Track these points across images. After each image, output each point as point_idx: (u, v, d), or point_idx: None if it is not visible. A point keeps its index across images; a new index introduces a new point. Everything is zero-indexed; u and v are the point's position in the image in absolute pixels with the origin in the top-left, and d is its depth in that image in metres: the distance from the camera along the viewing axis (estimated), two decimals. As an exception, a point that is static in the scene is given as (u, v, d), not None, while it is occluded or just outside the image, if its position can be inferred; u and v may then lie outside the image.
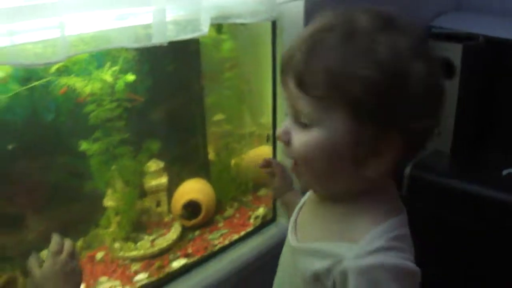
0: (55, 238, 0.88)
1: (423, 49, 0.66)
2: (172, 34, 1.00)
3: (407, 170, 1.73)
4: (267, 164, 1.05)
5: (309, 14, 1.25)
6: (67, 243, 0.89)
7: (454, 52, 1.66)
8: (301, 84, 0.67)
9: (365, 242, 0.69)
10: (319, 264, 0.72)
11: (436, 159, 1.80)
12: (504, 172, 1.64)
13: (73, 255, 0.89)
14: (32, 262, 0.88)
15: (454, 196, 1.65)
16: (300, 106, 0.68)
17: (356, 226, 0.71)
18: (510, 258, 1.55)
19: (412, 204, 1.76)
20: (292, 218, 0.85)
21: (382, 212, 0.73)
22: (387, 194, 0.77)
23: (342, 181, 0.72)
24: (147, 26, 0.98)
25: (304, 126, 0.69)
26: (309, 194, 0.84)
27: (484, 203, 1.57)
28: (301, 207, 0.86)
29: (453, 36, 1.73)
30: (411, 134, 0.66)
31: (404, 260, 0.69)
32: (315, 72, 0.65)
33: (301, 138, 0.70)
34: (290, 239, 0.81)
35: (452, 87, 1.70)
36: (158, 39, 0.96)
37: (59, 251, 0.87)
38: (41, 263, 0.87)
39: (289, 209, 0.99)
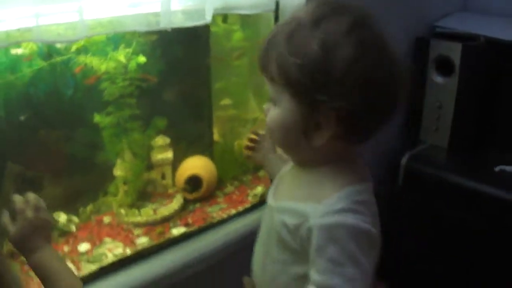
0: (16, 198, 0.94)
1: (358, 38, 0.76)
2: (179, 21, 1.13)
3: (403, 161, 1.83)
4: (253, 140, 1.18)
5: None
6: (31, 198, 0.94)
7: (454, 52, 1.75)
8: (263, 70, 0.81)
9: (329, 203, 0.79)
10: (289, 221, 0.84)
11: (433, 153, 1.88)
12: (497, 169, 1.72)
13: (38, 209, 0.93)
14: (5, 220, 0.92)
15: (448, 189, 1.73)
16: (268, 89, 0.81)
17: (322, 189, 0.82)
18: (500, 250, 1.63)
19: (407, 194, 1.87)
20: (274, 182, 0.98)
21: (347, 179, 0.83)
22: (353, 165, 0.87)
23: (302, 150, 0.85)
24: (156, 14, 1.10)
25: (273, 105, 0.82)
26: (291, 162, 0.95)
27: (476, 197, 1.65)
28: (282, 174, 0.98)
29: (455, 36, 1.81)
30: (343, 113, 0.76)
31: (363, 222, 0.78)
32: (270, 60, 0.79)
33: (269, 115, 0.84)
34: (269, 199, 0.93)
35: (451, 85, 1.79)
36: (165, 25, 1.09)
37: (24, 209, 0.92)
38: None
39: (269, 174, 1.15)
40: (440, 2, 2.00)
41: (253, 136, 1.18)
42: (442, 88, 1.81)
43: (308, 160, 0.86)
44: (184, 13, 1.15)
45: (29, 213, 0.92)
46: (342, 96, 0.75)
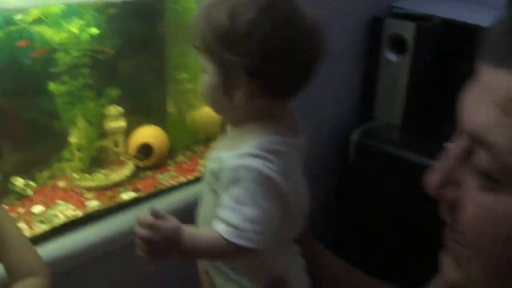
0: None
1: (262, 4, 0.86)
2: None
3: (354, 136, 1.91)
4: None
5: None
6: None
7: (408, 31, 1.83)
8: (192, 43, 0.92)
9: (242, 149, 0.89)
10: (213, 167, 0.93)
11: (385, 130, 1.97)
12: (445, 145, 1.82)
13: None
14: None
15: (398, 165, 1.82)
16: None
17: (242, 142, 0.91)
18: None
19: (358, 169, 1.96)
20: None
21: (266, 131, 0.92)
22: (278, 121, 0.95)
23: (229, 111, 0.96)
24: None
25: (205, 74, 0.94)
26: None
27: (425, 172, 1.75)
28: None
29: (411, 16, 1.89)
30: (252, 71, 0.87)
31: (269, 169, 0.87)
32: (194, 32, 0.90)
33: (201, 83, 0.96)
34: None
35: (404, 63, 1.87)
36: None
37: None
38: None
39: None
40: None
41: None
42: (396, 66, 1.90)
43: (236, 119, 0.97)
44: None
45: None
46: (247, 55, 0.86)
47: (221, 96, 0.93)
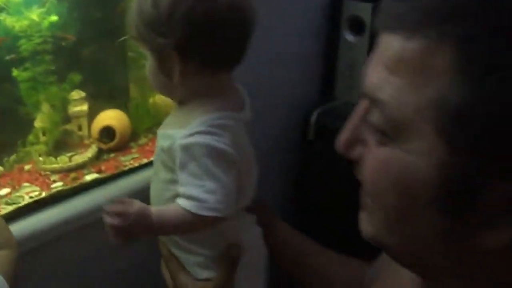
0: None
1: None
2: None
3: (314, 115, 1.98)
4: None
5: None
6: None
7: (365, 12, 1.88)
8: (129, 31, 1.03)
9: (190, 127, 0.96)
10: (164, 144, 1.01)
11: (345, 109, 2.02)
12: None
13: None
14: None
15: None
16: None
17: (188, 118, 0.99)
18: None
19: (318, 147, 2.02)
20: None
21: (213, 108, 1.00)
22: (221, 97, 1.03)
23: (171, 90, 1.06)
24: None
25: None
26: None
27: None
28: None
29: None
30: (180, 49, 0.97)
31: (218, 142, 0.95)
32: (130, 22, 1.02)
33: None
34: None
35: (362, 44, 1.93)
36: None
37: None
38: None
39: None
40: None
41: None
42: (354, 47, 1.96)
43: (180, 97, 1.05)
44: None
45: None
46: (172, 36, 0.94)
47: (162, 78, 1.02)
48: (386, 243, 0.68)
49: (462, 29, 0.53)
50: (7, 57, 1.40)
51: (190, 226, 0.98)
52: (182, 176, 0.97)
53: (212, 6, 0.94)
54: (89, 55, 1.59)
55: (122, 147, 1.63)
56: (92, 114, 1.62)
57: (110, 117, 1.62)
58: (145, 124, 1.70)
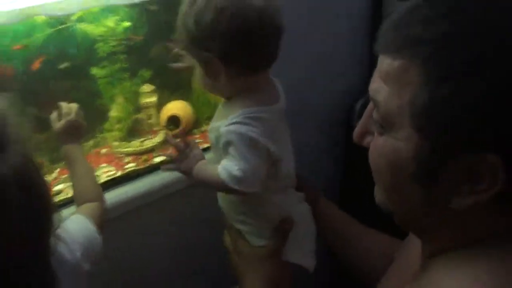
0: (63, 104, 1.35)
1: (218, 6, 1.09)
2: None
3: (358, 105, 2.14)
4: None
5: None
6: (74, 107, 1.36)
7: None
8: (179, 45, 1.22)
9: (231, 118, 1.15)
10: (212, 135, 1.23)
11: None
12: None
13: (78, 115, 1.35)
14: (53, 117, 1.34)
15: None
16: None
17: (231, 112, 1.17)
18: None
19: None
20: None
21: (251, 102, 1.16)
22: (258, 93, 1.19)
23: (217, 90, 1.23)
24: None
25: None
26: None
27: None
28: None
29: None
30: (222, 55, 1.12)
31: (251, 131, 1.12)
32: (178, 38, 1.19)
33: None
34: None
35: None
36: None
37: (68, 113, 1.33)
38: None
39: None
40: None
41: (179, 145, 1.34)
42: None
43: (225, 95, 1.23)
44: None
45: (72, 116, 1.33)
46: (214, 47, 1.11)
47: (208, 81, 1.19)
48: (389, 208, 0.87)
49: (425, 52, 0.71)
50: (87, 58, 1.65)
51: (218, 188, 1.23)
52: (224, 156, 1.18)
53: (245, 20, 1.09)
54: (157, 54, 1.82)
55: (186, 133, 1.85)
56: (160, 105, 1.85)
57: (176, 107, 1.85)
58: (206, 113, 1.91)
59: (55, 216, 0.92)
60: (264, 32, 1.12)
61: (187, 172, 1.28)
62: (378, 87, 0.79)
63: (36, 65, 1.57)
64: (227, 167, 1.15)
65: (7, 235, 0.80)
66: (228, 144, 1.16)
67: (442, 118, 0.71)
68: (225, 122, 1.17)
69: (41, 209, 0.87)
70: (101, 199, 1.32)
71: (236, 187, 1.15)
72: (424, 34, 0.72)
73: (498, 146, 0.69)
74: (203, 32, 1.11)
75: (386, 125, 0.79)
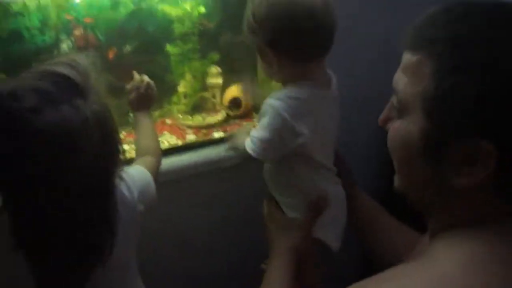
0: (137, 76, 1.53)
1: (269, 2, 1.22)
2: None
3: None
4: None
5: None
6: (147, 79, 1.53)
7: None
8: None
9: (274, 93, 1.30)
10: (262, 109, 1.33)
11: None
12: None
13: (150, 86, 1.52)
14: (128, 87, 1.51)
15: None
16: None
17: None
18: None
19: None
20: None
21: (295, 84, 1.28)
22: (309, 78, 1.28)
23: (274, 75, 1.35)
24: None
25: None
26: None
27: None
28: None
29: None
30: (276, 49, 1.26)
31: (283, 109, 1.23)
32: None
33: None
34: None
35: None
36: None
37: (141, 85, 1.51)
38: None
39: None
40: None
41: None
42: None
43: (280, 80, 1.35)
44: None
45: (142, 88, 1.50)
46: (264, 36, 1.25)
47: (265, 67, 1.33)
48: (402, 189, 0.98)
49: (437, 50, 0.84)
50: (163, 35, 1.83)
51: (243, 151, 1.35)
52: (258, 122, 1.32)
53: (294, 14, 1.20)
54: (226, 39, 1.98)
55: (246, 115, 2.01)
56: (224, 86, 2.01)
57: (239, 90, 2.01)
58: (266, 97, 2.06)
59: (121, 158, 1.09)
60: (312, 25, 1.22)
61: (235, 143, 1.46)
62: (398, 77, 0.92)
63: (110, 55, 1.78)
64: (251, 133, 1.32)
65: (85, 163, 0.94)
66: (263, 113, 1.29)
67: (445, 105, 0.83)
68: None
69: (112, 148, 1.03)
70: (158, 157, 1.47)
71: (249, 150, 1.30)
72: (438, 35, 0.85)
73: (492, 135, 0.79)
74: (258, 23, 1.24)
75: (402, 110, 0.91)
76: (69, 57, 1.05)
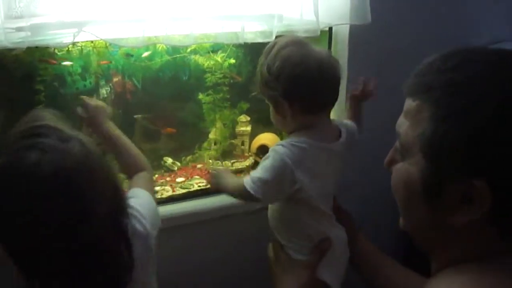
0: (84, 97, 1.51)
1: (283, 56, 1.33)
2: (251, 38, 1.72)
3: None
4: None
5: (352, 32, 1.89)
6: (93, 100, 1.52)
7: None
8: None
9: (278, 142, 1.37)
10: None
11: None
12: None
13: (96, 103, 1.49)
14: (78, 110, 1.48)
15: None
16: None
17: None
18: None
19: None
20: None
21: (299, 135, 1.36)
22: (312, 130, 1.36)
23: (284, 125, 1.44)
24: (237, 33, 1.71)
25: None
26: None
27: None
28: None
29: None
30: (290, 101, 1.35)
31: (285, 155, 1.31)
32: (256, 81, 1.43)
33: None
34: None
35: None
36: (240, 40, 1.69)
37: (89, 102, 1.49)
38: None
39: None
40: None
41: None
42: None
43: (288, 129, 1.44)
44: (258, 33, 1.74)
45: (92, 103, 1.49)
46: (280, 89, 1.34)
47: (278, 118, 1.40)
48: (406, 229, 1.04)
49: (434, 96, 0.90)
50: (196, 85, 1.95)
51: (237, 191, 1.39)
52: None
53: (308, 66, 1.30)
54: (255, 90, 2.07)
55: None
56: (253, 134, 2.10)
57: (267, 138, 2.09)
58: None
59: (123, 195, 1.15)
60: (323, 81, 1.33)
61: (214, 183, 1.50)
62: (401, 121, 0.98)
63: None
64: (251, 174, 1.36)
65: (83, 209, 0.99)
66: (267, 157, 1.36)
67: (441, 148, 0.88)
68: None
69: (110, 189, 1.07)
70: (148, 167, 1.49)
71: (248, 189, 1.33)
72: (434, 82, 0.91)
73: (485, 174, 0.84)
74: (274, 76, 1.33)
75: (404, 153, 0.97)
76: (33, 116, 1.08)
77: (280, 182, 1.33)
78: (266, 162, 1.35)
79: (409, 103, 0.96)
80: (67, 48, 1.67)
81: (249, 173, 1.88)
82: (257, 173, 1.35)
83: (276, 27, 1.68)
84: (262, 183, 1.33)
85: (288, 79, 1.32)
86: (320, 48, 1.38)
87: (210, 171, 1.54)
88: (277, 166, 1.32)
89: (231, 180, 1.45)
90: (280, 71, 1.32)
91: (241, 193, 1.37)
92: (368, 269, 1.51)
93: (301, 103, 1.35)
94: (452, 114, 0.87)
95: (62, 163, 0.96)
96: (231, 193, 1.45)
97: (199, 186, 1.88)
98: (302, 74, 1.31)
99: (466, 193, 0.86)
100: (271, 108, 1.42)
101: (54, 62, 1.67)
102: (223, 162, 2.02)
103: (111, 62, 1.79)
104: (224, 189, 1.47)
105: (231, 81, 1.98)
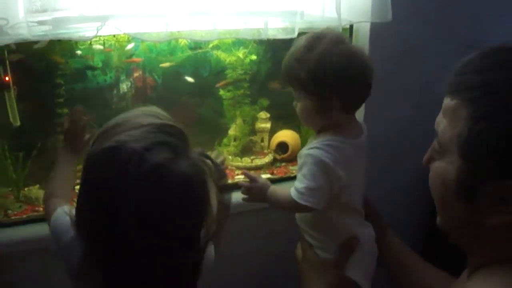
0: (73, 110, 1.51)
1: (322, 54, 1.29)
2: (273, 35, 1.71)
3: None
4: None
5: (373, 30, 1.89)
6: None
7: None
8: (286, 81, 1.42)
9: (312, 143, 1.35)
10: (299, 160, 1.38)
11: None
12: None
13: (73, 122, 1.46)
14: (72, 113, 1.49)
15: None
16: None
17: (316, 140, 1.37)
18: None
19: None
20: None
21: (331, 134, 1.34)
22: (344, 128, 1.36)
23: (316, 124, 1.41)
24: (260, 29, 1.70)
25: (297, 101, 1.42)
26: None
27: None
28: None
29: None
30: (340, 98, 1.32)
31: (323, 156, 1.30)
32: (290, 75, 1.38)
33: (297, 109, 1.43)
34: None
35: None
36: (263, 36, 1.69)
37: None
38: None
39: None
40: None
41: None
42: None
43: (319, 129, 1.41)
44: (281, 29, 1.73)
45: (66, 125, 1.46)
46: (328, 84, 1.30)
47: (314, 115, 1.35)
48: (442, 227, 1.03)
49: (471, 96, 0.90)
50: (216, 81, 1.94)
51: (289, 207, 1.36)
52: (298, 175, 1.34)
53: (359, 65, 1.31)
54: (275, 86, 2.07)
55: (292, 159, 2.06)
56: (272, 131, 2.09)
57: (286, 135, 2.08)
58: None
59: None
60: (368, 77, 1.33)
61: (259, 199, 1.44)
62: (439, 120, 0.98)
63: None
64: (296, 186, 1.33)
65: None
66: (303, 164, 1.34)
67: (477, 148, 0.88)
68: (306, 148, 1.37)
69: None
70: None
71: (301, 202, 1.31)
72: (473, 82, 0.91)
73: None
74: (321, 71, 1.29)
75: (442, 151, 0.97)
76: (152, 110, 1.07)
77: (329, 183, 1.32)
78: (304, 170, 1.33)
79: (448, 102, 0.95)
80: (89, 42, 1.66)
81: (268, 170, 1.95)
82: (301, 183, 1.32)
83: (298, 24, 1.68)
84: (311, 191, 1.31)
85: (342, 75, 1.30)
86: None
87: (245, 184, 1.47)
88: (320, 170, 1.31)
89: (280, 195, 1.41)
90: (334, 66, 1.29)
91: (290, 205, 1.35)
92: (396, 267, 1.50)
93: (348, 98, 1.33)
94: (488, 114, 0.87)
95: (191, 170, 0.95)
96: (281, 208, 1.42)
97: (219, 183, 1.85)
98: (355, 70, 1.30)
99: (501, 194, 0.87)
100: (299, 105, 1.39)
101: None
102: (243, 159, 2.01)
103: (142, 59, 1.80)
104: (273, 205, 1.44)
105: (253, 75, 1.98)
